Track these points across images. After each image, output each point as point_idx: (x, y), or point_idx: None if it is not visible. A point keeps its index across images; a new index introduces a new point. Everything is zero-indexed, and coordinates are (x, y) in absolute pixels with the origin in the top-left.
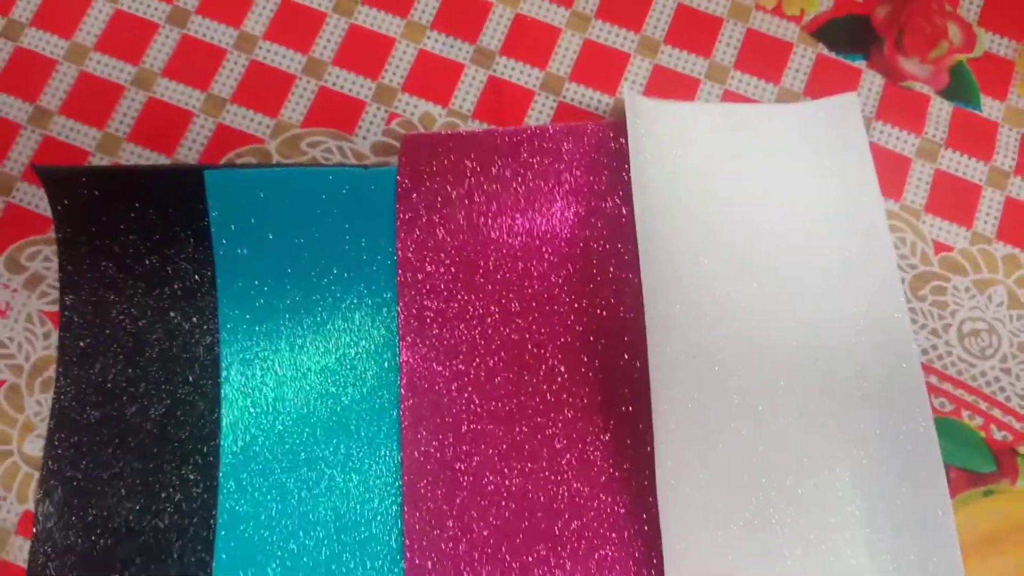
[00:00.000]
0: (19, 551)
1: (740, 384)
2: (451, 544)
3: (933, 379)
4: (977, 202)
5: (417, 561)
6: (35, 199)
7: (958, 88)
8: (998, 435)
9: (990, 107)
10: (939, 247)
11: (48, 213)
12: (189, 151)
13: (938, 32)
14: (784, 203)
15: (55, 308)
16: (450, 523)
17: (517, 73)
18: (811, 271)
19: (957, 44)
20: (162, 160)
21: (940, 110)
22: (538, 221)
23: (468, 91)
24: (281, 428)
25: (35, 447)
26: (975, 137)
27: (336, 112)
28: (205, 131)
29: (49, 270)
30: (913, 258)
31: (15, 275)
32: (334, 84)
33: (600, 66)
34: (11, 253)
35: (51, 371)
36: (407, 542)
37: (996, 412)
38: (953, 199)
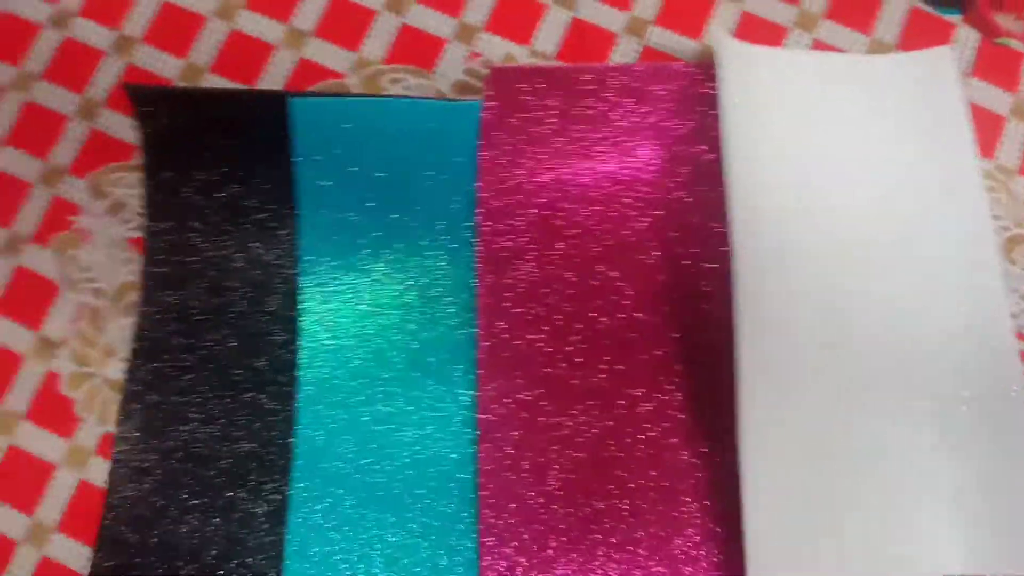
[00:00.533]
0: (98, 472)
1: (828, 346)
2: (525, 486)
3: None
4: None
5: (492, 500)
6: (118, 126)
7: None
8: None
9: None
10: None
11: (131, 140)
12: (270, 84)
13: None
14: (878, 159)
15: (138, 234)
16: (525, 464)
17: (601, 15)
18: (904, 230)
19: None
20: None
21: None
22: (623, 164)
23: (550, 32)
24: (359, 363)
25: (117, 371)
26: None
27: (417, 49)
28: (286, 64)
29: (132, 197)
30: (1006, 219)
31: (98, 200)
32: (415, 21)
33: (686, 10)
34: (94, 179)
35: (134, 296)
36: (481, 480)
37: None
38: None
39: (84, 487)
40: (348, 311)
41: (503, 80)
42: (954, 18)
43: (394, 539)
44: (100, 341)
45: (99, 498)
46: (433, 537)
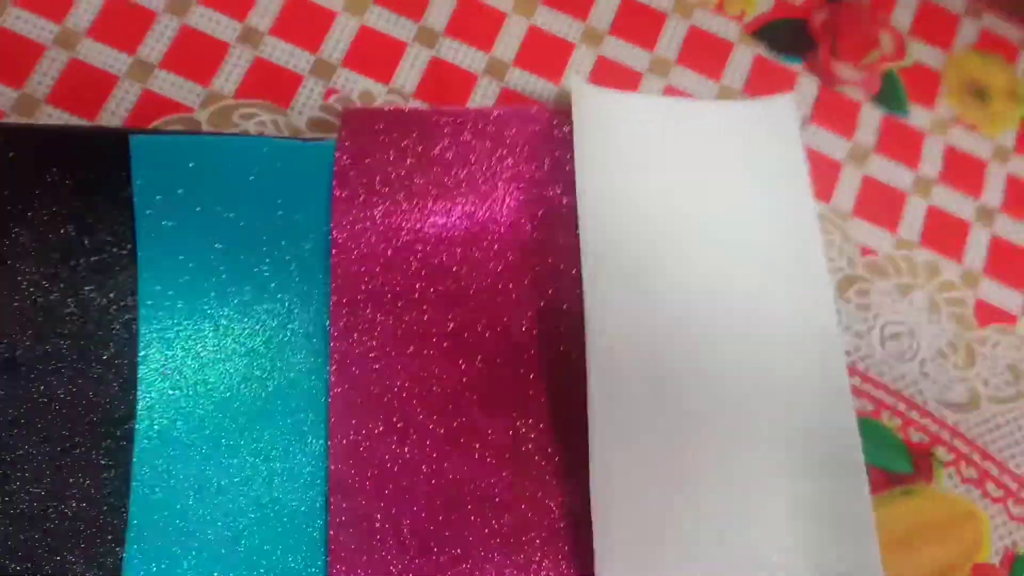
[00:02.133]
0: None
1: (673, 380)
2: (378, 537)
3: (855, 380)
4: (903, 208)
5: (342, 553)
6: None
7: (888, 95)
8: (915, 436)
9: (918, 115)
10: (865, 251)
11: None
12: (113, 116)
13: (871, 39)
14: (721, 200)
15: None
16: (378, 515)
17: (461, 55)
18: (744, 268)
19: (888, 52)
20: (83, 124)
21: (871, 115)
22: (479, 206)
23: (410, 70)
24: (202, 413)
25: None
26: (903, 144)
27: (271, 84)
28: (131, 96)
29: None
30: (840, 260)
31: None
32: (270, 55)
33: (545, 53)
34: None
35: None
36: (332, 533)
37: (914, 414)
38: (880, 204)
39: None
40: (190, 359)
41: (357, 122)
42: (796, 66)
43: None
44: None
45: None
46: None
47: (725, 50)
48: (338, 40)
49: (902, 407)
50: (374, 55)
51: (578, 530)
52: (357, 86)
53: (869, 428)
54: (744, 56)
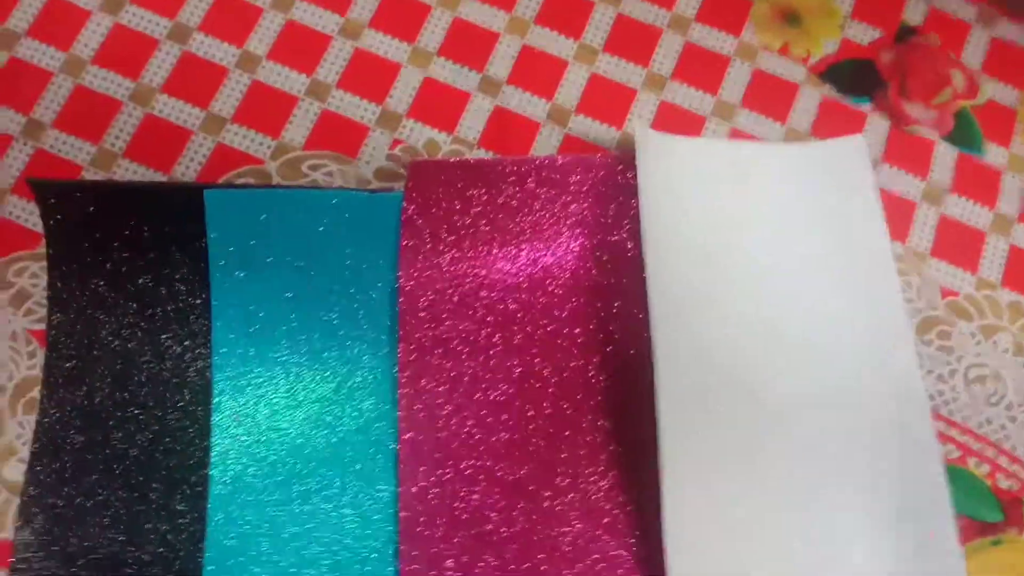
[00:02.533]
0: None
1: (748, 427)
2: None
3: (940, 425)
4: (982, 248)
5: None
6: (24, 213)
7: (962, 133)
8: (1004, 483)
9: (994, 153)
10: (945, 292)
11: (38, 228)
12: (187, 170)
13: (942, 78)
14: (792, 243)
15: (41, 327)
16: (449, 563)
17: (524, 103)
18: (819, 313)
19: (961, 90)
20: (158, 178)
21: (944, 155)
22: (544, 253)
23: (474, 119)
24: (274, 459)
25: (16, 472)
26: (979, 183)
27: (339, 135)
28: (204, 150)
29: (36, 287)
30: (919, 302)
31: (1, 291)
32: (337, 107)
33: (607, 99)
34: None
35: (35, 392)
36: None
37: (1002, 460)
38: (958, 244)
39: None
40: (262, 405)
41: (423, 173)
42: (865, 107)
43: None
44: None
45: None
46: None
47: (791, 92)
48: (403, 91)
49: (990, 453)
50: (438, 105)
51: None
52: (422, 136)
53: (956, 475)
54: (811, 98)
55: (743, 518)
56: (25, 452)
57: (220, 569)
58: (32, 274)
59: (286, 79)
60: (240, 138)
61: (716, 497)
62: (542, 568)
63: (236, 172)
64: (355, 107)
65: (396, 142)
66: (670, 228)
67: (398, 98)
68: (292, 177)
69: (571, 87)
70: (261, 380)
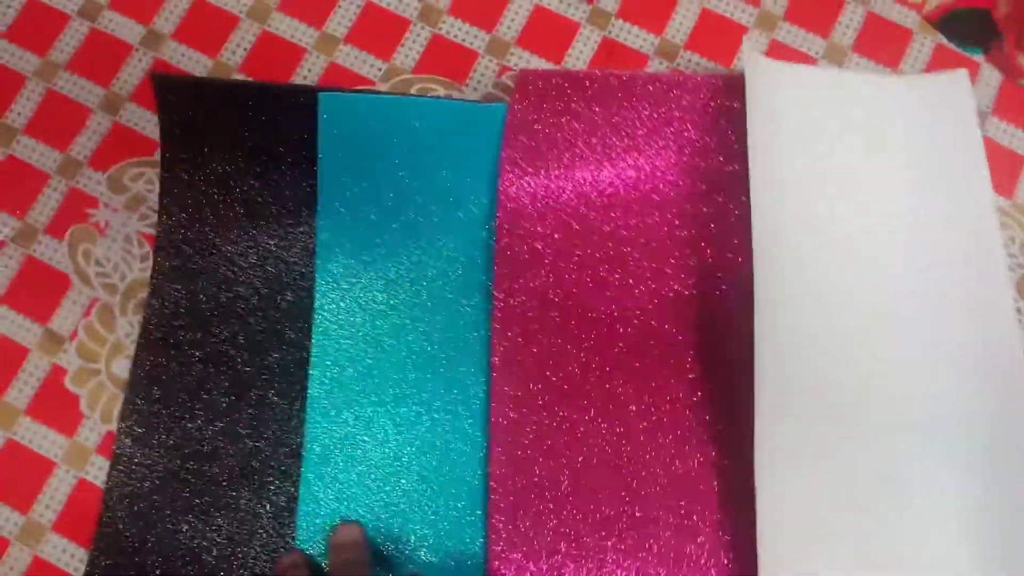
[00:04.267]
0: (99, 471)
1: (841, 364)
2: (536, 491)
3: None
4: None
5: (502, 504)
6: (142, 120)
7: None
8: None
9: None
10: None
11: (154, 136)
12: (300, 83)
13: None
14: (894, 177)
15: (154, 230)
16: (536, 469)
17: (632, 37)
18: (917, 250)
19: None
20: None
21: None
22: (645, 170)
23: (582, 50)
24: (371, 362)
25: (123, 369)
26: None
27: (448, 60)
28: (317, 68)
29: (151, 192)
30: (1021, 257)
31: (117, 195)
32: (448, 32)
33: (716, 36)
34: (114, 173)
35: (145, 294)
36: (492, 485)
37: None
38: None
39: (83, 486)
40: (361, 310)
41: (530, 83)
42: (978, 57)
43: (403, 541)
44: (109, 338)
45: (98, 499)
46: (442, 539)
47: (903, 38)
48: (514, 19)
49: None
50: (547, 35)
51: (738, 498)
52: (530, 64)
53: None
54: (923, 45)
55: (839, 463)
56: (132, 350)
57: (319, 464)
58: (148, 180)
59: (400, 2)
60: (352, 59)
61: (808, 430)
62: (627, 478)
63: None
64: (465, 33)
65: (504, 69)
66: (775, 157)
67: (508, 26)
68: None
69: (681, 22)
70: (361, 286)
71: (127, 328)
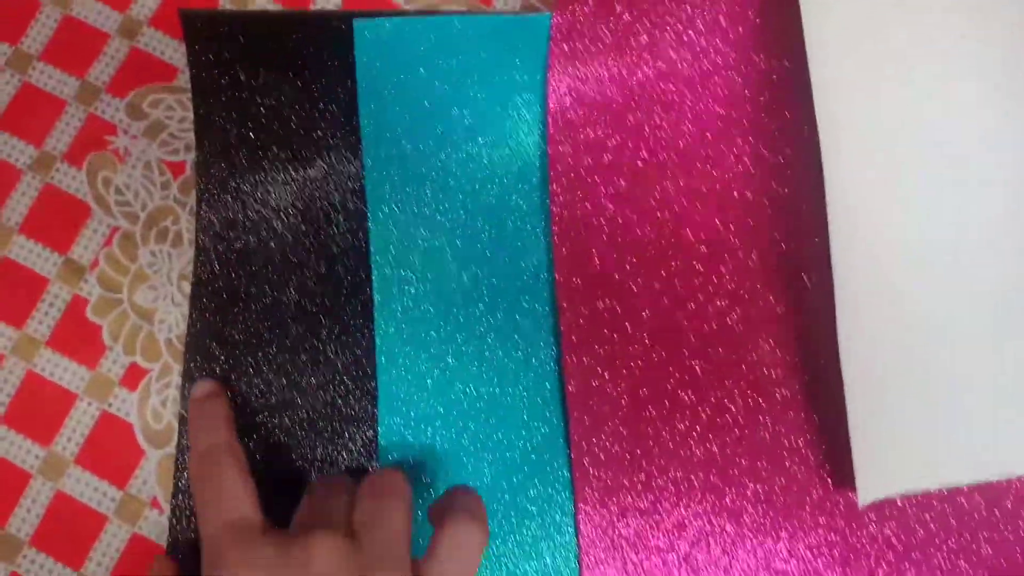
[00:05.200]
0: (122, 403)
1: (922, 277)
2: (610, 400)
3: None
4: None
5: (585, 421)
6: (160, 45)
7: None
8: None
9: None
10: None
11: (173, 61)
12: (323, 7)
13: None
14: (973, 76)
15: (175, 158)
16: (610, 389)
17: None
18: (1000, 160)
19: None
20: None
21: None
22: (695, 69)
23: None
24: (436, 299)
25: (146, 298)
26: None
27: None
28: None
29: (171, 119)
30: None
31: (136, 121)
32: None
33: None
34: (133, 99)
35: (167, 222)
36: (573, 412)
37: None
38: None
39: (106, 419)
40: (417, 242)
41: None
42: None
43: (487, 472)
44: (131, 267)
45: (121, 430)
46: (526, 468)
47: None
48: None
49: None
50: None
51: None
52: None
53: None
54: None
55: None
56: (155, 280)
57: (396, 409)
58: (167, 106)
59: None
60: None
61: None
62: (710, 389)
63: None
64: None
65: None
66: (842, 58)
67: None
68: None
69: None
70: (416, 222)
71: (149, 257)
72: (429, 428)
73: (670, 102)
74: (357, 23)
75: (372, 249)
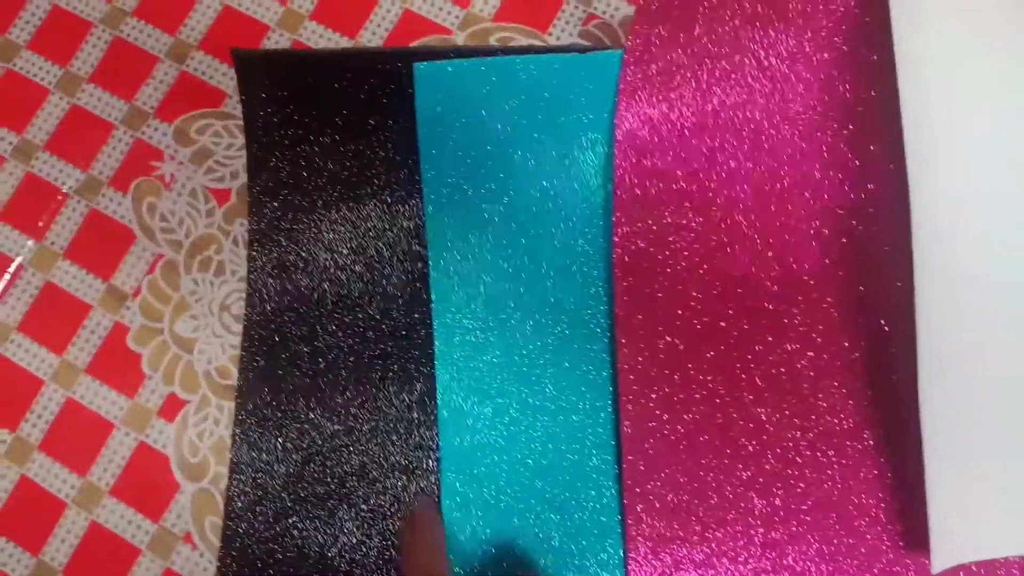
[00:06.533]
0: (159, 435)
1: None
2: (671, 450)
3: None
4: None
5: (640, 465)
6: (210, 70)
7: None
8: None
9: None
10: None
11: (222, 86)
12: (373, 35)
13: None
14: None
15: (221, 185)
16: (665, 416)
17: None
18: None
19: None
20: (344, 43)
21: None
22: (773, 97)
23: None
24: (494, 339)
25: (186, 328)
26: None
27: (530, 8)
28: (392, 15)
29: (218, 145)
30: None
31: (183, 147)
32: None
33: None
34: (180, 124)
35: (211, 251)
36: (627, 455)
37: None
38: None
39: (142, 450)
40: (482, 294)
41: (654, 7)
42: None
43: (556, 536)
44: (173, 296)
45: (157, 462)
46: (596, 531)
47: None
48: None
49: None
50: None
51: (894, 454)
52: (619, 11)
53: None
54: None
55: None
56: (197, 309)
57: (458, 460)
58: (215, 132)
59: None
60: (429, 5)
61: (977, 396)
62: (772, 441)
63: (422, 41)
64: None
65: (591, 17)
66: (935, 75)
67: None
68: (479, 49)
69: None
70: (478, 266)
71: (191, 286)
72: (493, 487)
73: (745, 132)
74: (418, 66)
75: (433, 297)
